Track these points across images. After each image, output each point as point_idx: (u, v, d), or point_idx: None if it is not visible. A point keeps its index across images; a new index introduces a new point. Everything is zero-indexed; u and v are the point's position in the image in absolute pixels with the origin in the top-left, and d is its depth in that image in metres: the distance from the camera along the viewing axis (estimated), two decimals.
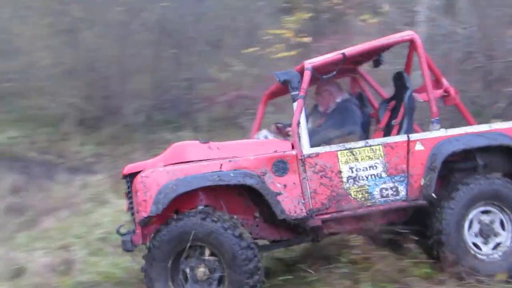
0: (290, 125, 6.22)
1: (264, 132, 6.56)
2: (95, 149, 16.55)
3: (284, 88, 6.15)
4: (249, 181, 5.50)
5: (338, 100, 6.63)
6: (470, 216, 5.72)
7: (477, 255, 5.70)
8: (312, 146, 5.83)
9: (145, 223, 5.71)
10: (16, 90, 22.42)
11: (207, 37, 18.68)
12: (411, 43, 6.17)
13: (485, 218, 5.77)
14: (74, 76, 18.42)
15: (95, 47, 17.99)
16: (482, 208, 5.75)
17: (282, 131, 6.74)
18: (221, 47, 18.38)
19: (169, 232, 5.47)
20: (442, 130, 5.83)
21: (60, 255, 8.53)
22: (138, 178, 5.71)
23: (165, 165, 5.80)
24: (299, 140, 5.73)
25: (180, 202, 5.73)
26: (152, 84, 18.46)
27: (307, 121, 6.16)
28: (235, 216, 5.65)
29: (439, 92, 6.15)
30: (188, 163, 5.76)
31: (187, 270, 5.55)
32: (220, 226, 5.34)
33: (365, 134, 6.48)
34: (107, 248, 8.71)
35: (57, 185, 13.34)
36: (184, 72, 18.10)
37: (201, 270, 5.50)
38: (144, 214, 5.55)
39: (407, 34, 6.10)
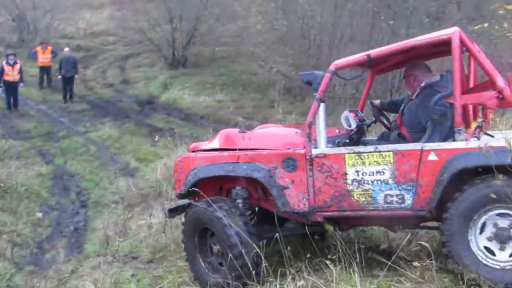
0: (385, 104, 6.84)
1: (345, 112, 6.51)
2: (298, 119, 16.33)
3: (392, 63, 6.31)
4: (256, 175, 5.96)
5: (422, 84, 6.07)
6: (482, 219, 5.13)
7: (488, 262, 5.11)
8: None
9: (181, 197, 6.71)
10: (228, 55, 23.10)
11: (428, 8, 17.39)
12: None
13: (502, 222, 5.09)
14: (286, 43, 18.29)
15: (309, 14, 17.63)
16: (499, 211, 5.07)
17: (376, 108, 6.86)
18: (443, 19, 17.06)
19: (191, 214, 6.35)
20: (464, 141, 5.24)
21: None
22: (176, 161, 6.80)
23: (209, 150, 6.63)
24: (309, 140, 5.83)
25: (225, 181, 6.50)
26: None
27: (401, 107, 6.25)
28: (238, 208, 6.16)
29: (492, 94, 5.35)
30: (222, 150, 6.43)
31: (212, 245, 6.25)
32: (215, 216, 5.92)
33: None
34: None
35: None
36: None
37: (216, 248, 6.16)
38: (178, 191, 6.65)
39: (445, 33, 5.42)
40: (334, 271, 5.16)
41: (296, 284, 5.26)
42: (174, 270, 6.82)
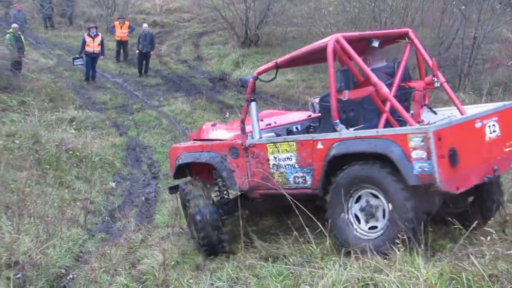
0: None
1: (311, 99, 7.78)
2: None
3: (362, 48, 6.77)
4: (212, 161, 7.32)
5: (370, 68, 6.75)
6: (357, 194, 5.96)
7: (354, 229, 5.97)
8: None
9: (175, 178, 8.29)
10: (299, 35, 23.11)
11: None
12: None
13: (373, 201, 5.88)
14: (357, 26, 18.16)
15: None
16: (371, 191, 5.85)
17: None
18: None
19: (179, 193, 7.97)
20: (339, 132, 6.03)
21: None
22: (169, 149, 8.58)
23: (193, 139, 8.12)
24: (243, 133, 6.97)
25: (210, 165, 7.48)
26: (433, 39, 17.44)
27: None
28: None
29: (370, 88, 6.17)
30: (199, 140, 7.83)
31: None
32: (188, 197, 7.38)
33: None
34: None
35: None
36: (470, 30, 16.70)
37: None
38: (171, 174, 8.35)
39: (324, 41, 6.28)
40: (397, 252, 5.26)
41: (360, 264, 5.39)
42: (242, 245, 6.91)
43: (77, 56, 20.15)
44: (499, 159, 6.02)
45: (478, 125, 5.79)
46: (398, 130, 5.73)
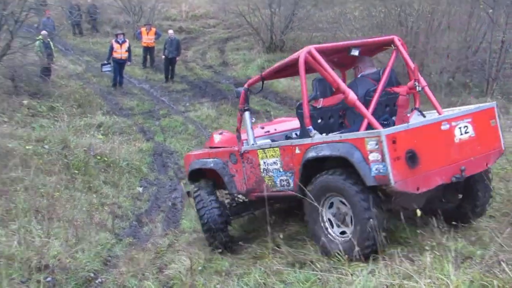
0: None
1: None
2: None
3: (352, 60, 7.25)
4: (215, 167, 7.91)
5: (358, 75, 7.27)
6: (331, 199, 6.32)
7: (328, 233, 6.35)
8: None
9: (191, 182, 8.67)
10: (325, 40, 23.05)
11: None
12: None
13: (342, 208, 6.24)
14: (383, 30, 18.12)
15: (407, 1, 17.38)
16: (341, 199, 6.18)
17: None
18: None
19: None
20: (311, 138, 6.44)
21: None
22: (184, 156, 9.69)
23: (207, 147, 8.58)
24: (239, 140, 7.55)
25: None
26: (460, 43, 17.30)
27: None
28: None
29: (340, 96, 6.65)
30: (209, 148, 8.41)
31: None
32: (195, 199, 8.06)
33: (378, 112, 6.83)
34: None
35: None
36: (498, 34, 16.53)
37: None
38: (187, 179, 8.87)
39: (297, 54, 6.61)
40: (428, 258, 5.21)
41: (388, 270, 5.34)
42: (270, 250, 6.82)
43: (105, 62, 20.37)
44: (472, 160, 6.20)
45: (445, 127, 6.07)
46: (357, 134, 5.99)
